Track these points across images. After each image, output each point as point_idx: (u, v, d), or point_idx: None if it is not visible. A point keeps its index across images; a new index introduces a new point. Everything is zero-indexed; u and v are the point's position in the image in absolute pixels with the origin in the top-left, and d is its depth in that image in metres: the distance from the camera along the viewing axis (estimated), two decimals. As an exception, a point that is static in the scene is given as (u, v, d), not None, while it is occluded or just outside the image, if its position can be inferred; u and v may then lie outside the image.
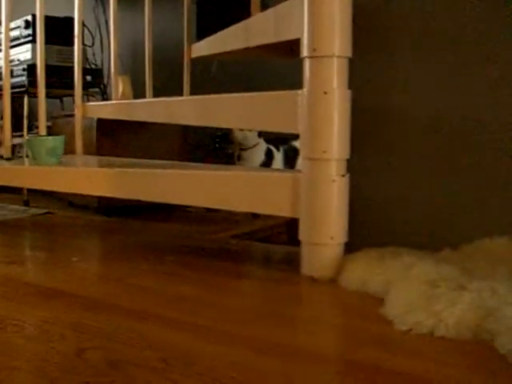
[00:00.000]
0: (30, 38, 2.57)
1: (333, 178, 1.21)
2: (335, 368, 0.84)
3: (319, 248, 1.24)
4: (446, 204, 1.28)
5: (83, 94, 2.19)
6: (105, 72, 2.76)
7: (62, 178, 1.68)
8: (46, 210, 2.22)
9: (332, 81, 1.20)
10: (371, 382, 0.77)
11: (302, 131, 1.25)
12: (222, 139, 2.46)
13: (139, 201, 1.54)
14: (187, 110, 1.67)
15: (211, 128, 1.76)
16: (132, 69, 2.75)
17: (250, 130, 2.19)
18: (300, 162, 1.28)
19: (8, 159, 1.97)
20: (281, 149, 2.28)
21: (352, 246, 1.26)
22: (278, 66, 2.26)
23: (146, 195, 1.52)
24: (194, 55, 1.98)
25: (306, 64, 1.22)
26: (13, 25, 2.57)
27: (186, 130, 2.38)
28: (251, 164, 2.24)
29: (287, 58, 1.60)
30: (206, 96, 1.55)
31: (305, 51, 1.22)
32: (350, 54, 1.23)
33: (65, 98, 2.93)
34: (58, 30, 2.53)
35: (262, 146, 2.25)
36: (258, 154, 2.25)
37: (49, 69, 2.10)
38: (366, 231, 1.35)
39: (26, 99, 2.44)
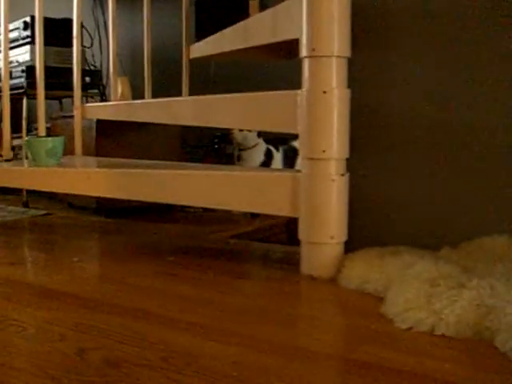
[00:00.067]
0: (29, 40, 2.57)
1: (332, 178, 1.22)
2: (335, 366, 0.84)
3: (319, 247, 1.25)
4: (446, 204, 1.29)
5: (82, 95, 2.19)
6: (104, 73, 2.76)
7: (62, 178, 1.68)
8: (45, 211, 2.22)
9: (331, 80, 1.20)
10: (372, 379, 0.77)
11: (301, 131, 1.25)
12: (222, 139, 2.46)
13: (138, 202, 1.55)
14: (186, 110, 1.67)
15: (210, 128, 1.76)
16: (131, 70, 2.76)
17: (250, 130, 2.19)
18: (299, 162, 1.29)
19: (7, 160, 1.97)
20: (280, 149, 2.29)
21: (352, 245, 1.27)
22: (278, 66, 2.26)
23: (146, 195, 1.52)
24: (192, 56, 1.98)
25: (305, 64, 1.22)
26: (11, 26, 2.57)
27: (185, 130, 2.38)
28: (251, 164, 2.24)
29: (285, 59, 1.61)
30: (205, 96, 1.55)
31: (304, 51, 1.22)
32: (349, 54, 1.23)
33: (64, 100, 2.93)
34: (57, 32, 2.53)
35: (262, 146, 2.25)
36: (258, 154, 2.25)
37: (48, 70, 2.10)
38: (365, 230, 1.35)
39: (25, 101, 2.43)
